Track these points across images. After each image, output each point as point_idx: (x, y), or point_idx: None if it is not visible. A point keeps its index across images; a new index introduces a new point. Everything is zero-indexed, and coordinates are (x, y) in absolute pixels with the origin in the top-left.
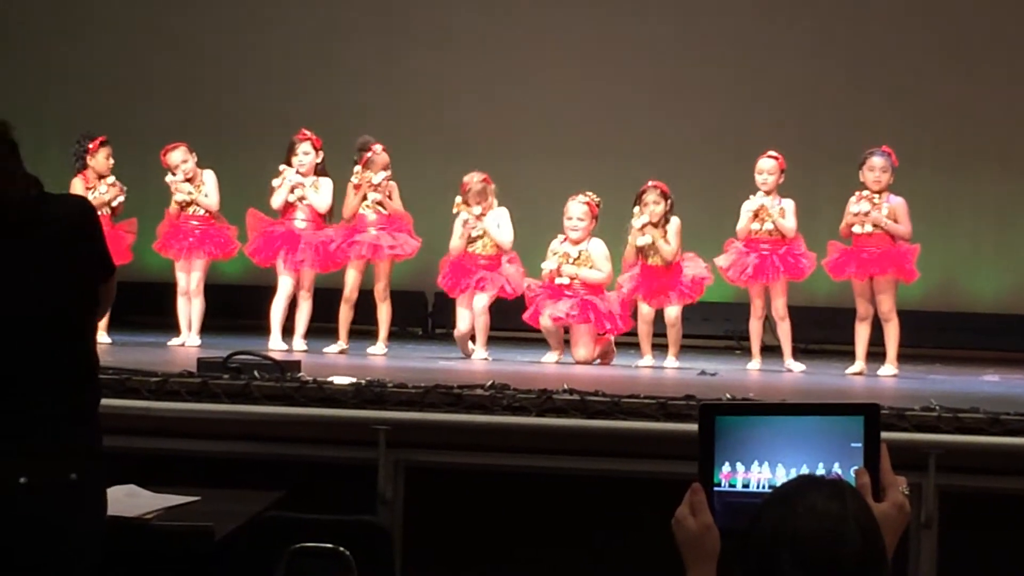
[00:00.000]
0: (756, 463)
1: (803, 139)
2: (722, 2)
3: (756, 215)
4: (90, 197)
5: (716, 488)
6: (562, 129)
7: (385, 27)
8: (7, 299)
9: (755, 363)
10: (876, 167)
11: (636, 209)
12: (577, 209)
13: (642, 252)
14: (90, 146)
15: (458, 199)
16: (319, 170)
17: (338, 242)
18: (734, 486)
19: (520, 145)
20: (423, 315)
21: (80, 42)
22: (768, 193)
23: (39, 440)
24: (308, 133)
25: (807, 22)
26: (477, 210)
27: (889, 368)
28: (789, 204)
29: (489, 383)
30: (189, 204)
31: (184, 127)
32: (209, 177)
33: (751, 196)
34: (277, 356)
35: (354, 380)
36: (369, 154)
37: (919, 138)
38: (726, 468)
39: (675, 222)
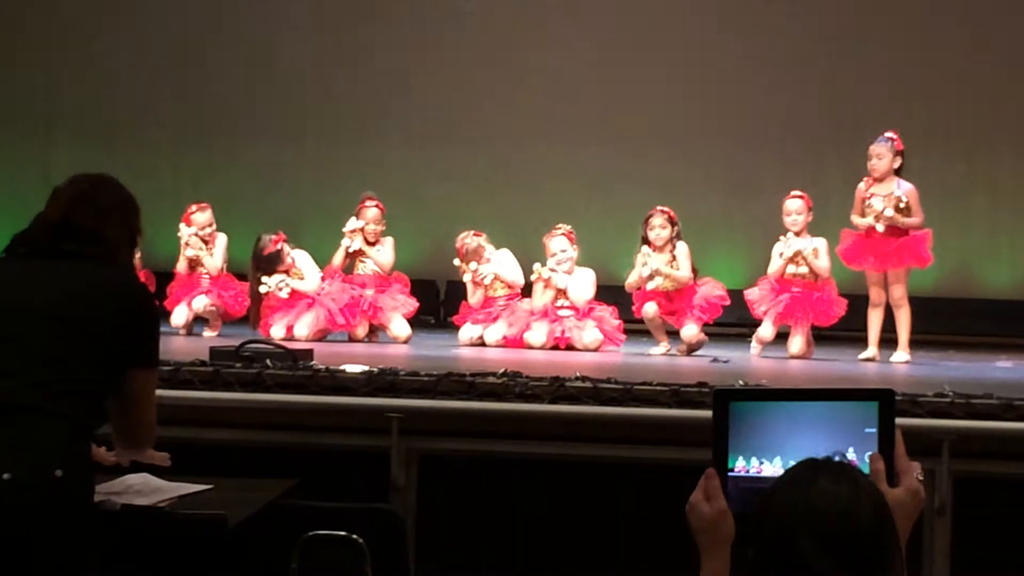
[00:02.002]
0: (768, 460)
1: (814, 126)
2: None
3: (791, 259)
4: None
5: (730, 473)
6: (577, 118)
7: (400, 15)
8: (32, 295)
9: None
10: (873, 154)
11: (643, 248)
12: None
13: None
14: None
15: (457, 262)
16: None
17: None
18: (748, 471)
19: (534, 133)
20: (435, 303)
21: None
22: (798, 234)
23: (25, 436)
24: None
25: (821, 8)
26: (474, 265)
27: (901, 355)
28: (822, 243)
29: (502, 371)
30: (198, 263)
31: (186, 123)
32: (221, 241)
33: (781, 237)
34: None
35: (366, 368)
36: (360, 206)
37: (933, 124)
38: (740, 463)
39: (683, 247)
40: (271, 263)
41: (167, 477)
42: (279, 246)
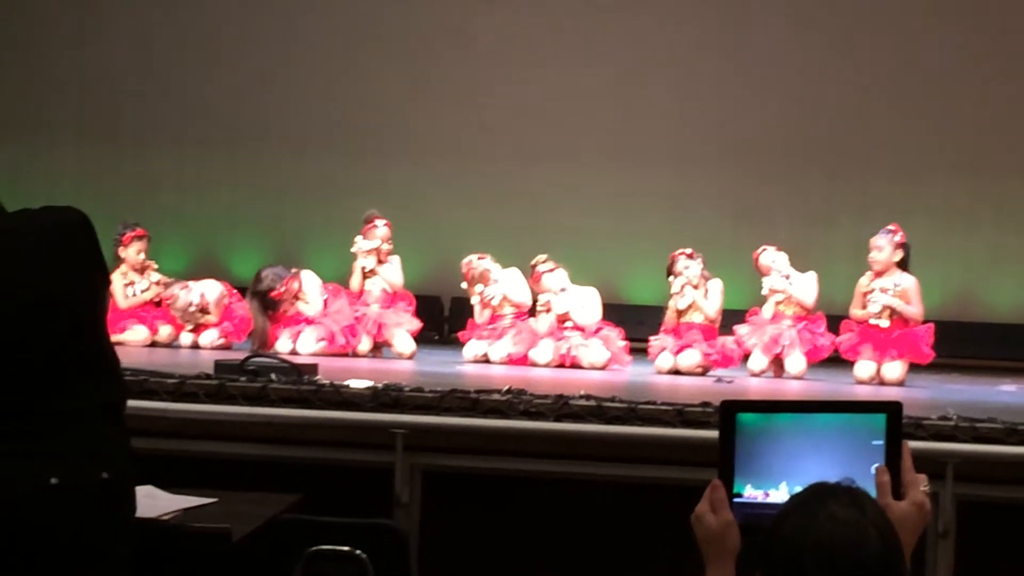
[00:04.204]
0: (775, 486)
1: (824, 151)
2: (750, 11)
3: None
4: (129, 294)
5: (737, 499)
6: (585, 137)
7: (408, 31)
8: (8, 294)
9: None
10: (873, 246)
11: (671, 279)
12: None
13: (681, 313)
14: (123, 238)
15: (464, 285)
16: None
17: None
18: (756, 498)
19: (540, 151)
20: (440, 319)
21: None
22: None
23: (69, 439)
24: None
25: (831, 35)
26: (480, 288)
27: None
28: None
29: (506, 388)
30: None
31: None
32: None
33: (867, 273)
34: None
35: (371, 384)
36: (370, 225)
37: (939, 147)
38: (748, 489)
39: (717, 283)
40: (276, 305)
41: (171, 490)
42: (286, 289)
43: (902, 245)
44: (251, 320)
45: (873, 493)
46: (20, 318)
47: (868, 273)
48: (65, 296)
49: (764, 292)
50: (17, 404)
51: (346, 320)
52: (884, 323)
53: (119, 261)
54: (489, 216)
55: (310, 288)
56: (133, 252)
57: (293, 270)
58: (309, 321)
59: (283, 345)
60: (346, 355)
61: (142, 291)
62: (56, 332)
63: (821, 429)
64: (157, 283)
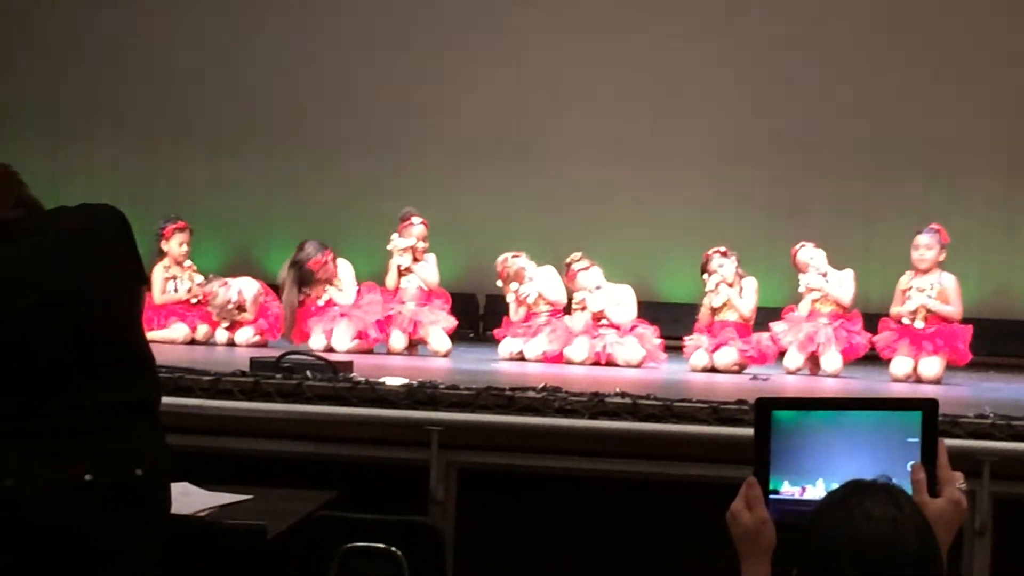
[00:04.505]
0: (811, 483)
1: (860, 146)
2: (788, 6)
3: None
4: (170, 288)
5: (773, 496)
6: (619, 134)
7: (444, 30)
8: (40, 290)
9: None
10: (920, 245)
11: (705, 277)
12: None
13: (715, 311)
14: (164, 231)
15: (499, 283)
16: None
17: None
18: (792, 495)
19: (576, 148)
20: (475, 317)
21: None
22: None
23: (103, 436)
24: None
25: (865, 26)
26: (515, 286)
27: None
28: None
29: (541, 386)
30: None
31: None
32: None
33: (907, 272)
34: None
35: (406, 381)
36: (406, 223)
37: (976, 145)
38: (785, 486)
39: (752, 281)
40: (311, 278)
41: (207, 487)
42: (326, 262)
43: (945, 245)
44: (282, 294)
45: (909, 490)
46: (53, 315)
47: (909, 272)
48: (98, 293)
49: (801, 290)
50: (51, 401)
51: (377, 314)
52: (919, 324)
53: (162, 255)
54: (524, 214)
55: (345, 275)
56: (176, 244)
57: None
58: (343, 314)
59: (317, 340)
60: (369, 351)
61: (183, 290)
62: (89, 329)
63: (856, 426)
64: (196, 286)
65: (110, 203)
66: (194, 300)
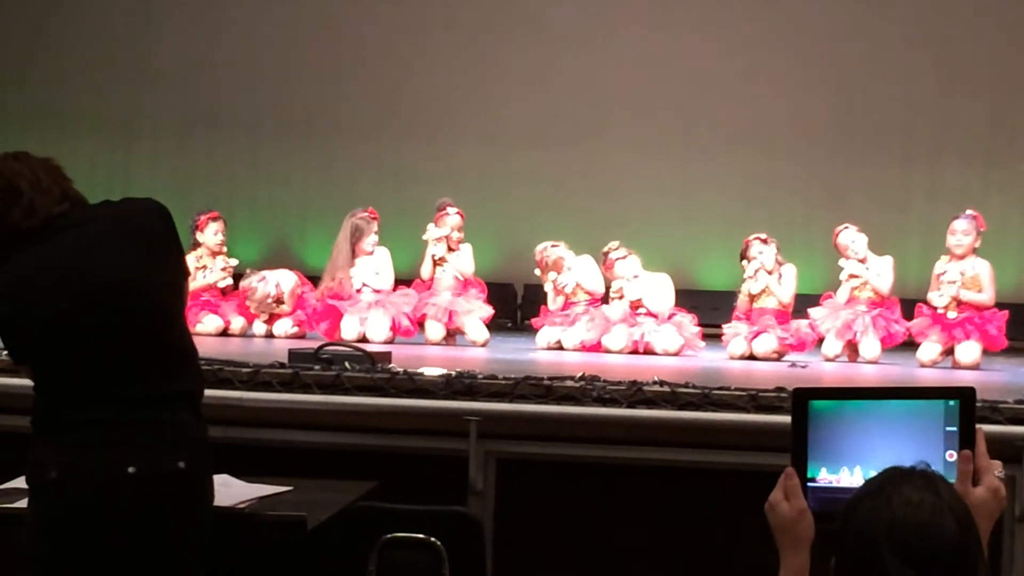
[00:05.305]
0: (849, 469)
1: (897, 133)
2: None
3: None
4: (200, 278)
5: (810, 483)
6: (656, 122)
7: (479, 18)
8: (87, 284)
9: None
10: (957, 231)
11: (744, 264)
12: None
13: (754, 298)
14: (198, 222)
15: (537, 272)
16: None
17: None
18: (830, 482)
19: (612, 137)
20: (513, 307)
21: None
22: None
23: (147, 428)
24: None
25: (902, 17)
26: (554, 275)
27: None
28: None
29: (579, 375)
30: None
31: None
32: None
33: (943, 257)
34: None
35: (445, 371)
36: (441, 213)
37: (1011, 129)
38: (822, 473)
39: (791, 268)
40: (368, 224)
41: (247, 479)
42: (377, 220)
43: (979, 231)
44: (334, 251)
45: (948, 478)
46: (98, 308)
47: (944, 257)
48: (142, 286)
49: (842, 277)
50: (95, 393)
51: (409, 304)
52: (952, 314)
53: (196, 245)
54: (562, 203)
55: (383, 261)
56: (211, 234)
57: None
58: (378, 303)
59: (351, 330)
60: (421, 340)
61: (214, 274)
62: (133, 321)
63: (894, 415)
64: (224, 269)
65: (149, 196)
66: (222, 284)
